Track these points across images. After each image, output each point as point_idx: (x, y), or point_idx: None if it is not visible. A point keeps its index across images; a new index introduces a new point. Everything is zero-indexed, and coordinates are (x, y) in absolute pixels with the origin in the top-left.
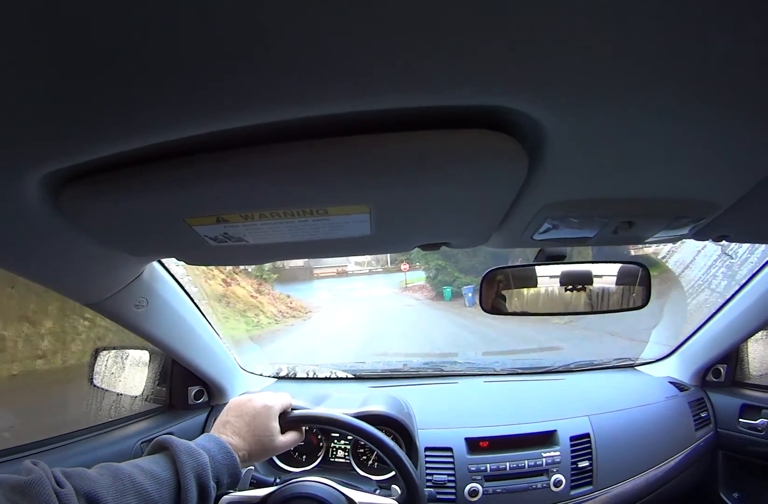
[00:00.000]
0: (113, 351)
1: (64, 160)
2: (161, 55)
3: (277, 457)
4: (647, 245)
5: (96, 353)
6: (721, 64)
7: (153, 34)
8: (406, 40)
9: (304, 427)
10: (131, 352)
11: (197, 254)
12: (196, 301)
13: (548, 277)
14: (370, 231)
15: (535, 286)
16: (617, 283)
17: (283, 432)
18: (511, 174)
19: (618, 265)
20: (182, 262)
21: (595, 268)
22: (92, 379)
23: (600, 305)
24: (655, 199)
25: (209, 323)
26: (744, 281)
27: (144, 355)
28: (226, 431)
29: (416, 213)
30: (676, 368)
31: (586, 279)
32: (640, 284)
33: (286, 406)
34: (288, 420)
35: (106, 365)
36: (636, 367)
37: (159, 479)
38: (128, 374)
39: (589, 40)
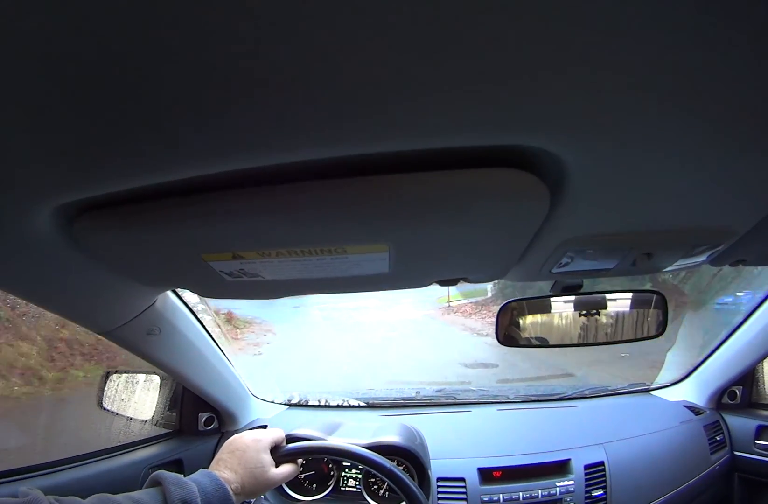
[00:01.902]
0: (124, 375)
1: (78, 193)
2: (177, 97)
3: (288, 486)
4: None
5: (106, 376)
6: (737, 98)
7: (167, 77)
8: (426, 84)
9: (300, 460)
10: (142, 376)
11: (211, 288)
12: (208, 328)
13: (563, 307)
14: (389, 269)
15: (551, 317)
16: (633, 312)
17: (277, 465)
18: (532, 211)
19: (634, 294)
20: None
21: (611, 298)
22: (102, 402)
23: (616, 335)
24: (673, 230)
25: (221, 351)
26: (758, 303)
27: (155, 380)
28: (219, 467)
29: (435, 251)
30: (691, 392)
31: (602, 308)
32: (657, 312)
33: (277, 439)
34: (280, 454)
35: (116, 389)
36: (651, 392)
37: None
38: (138, 398)
39: (609, 79)
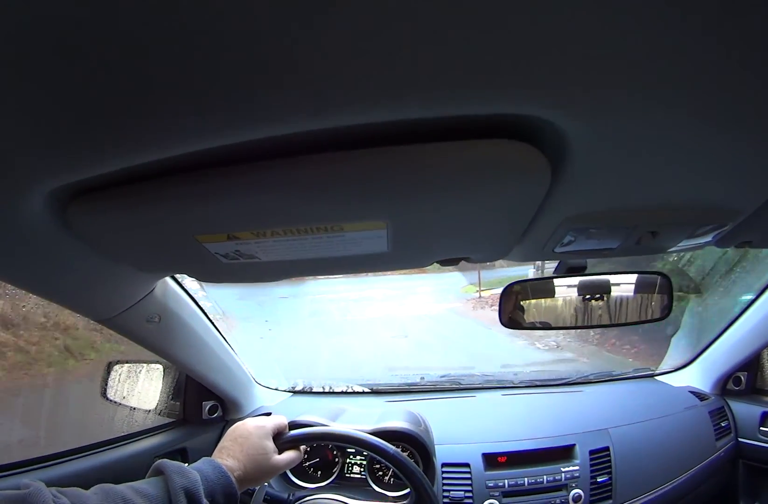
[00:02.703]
0: (126, 365)
1: (70, 175)
2: (168, 71)
3: (292, 472)
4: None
5: (109, 367)
6: (746, 71)
7: (161, 51)
8: (421, 48)
9: (303, 446)
10: (145, 366)
11: (208, 271)
12: (209, 315)
13: (566, 288)
14: (387, 247)
15: (554, 299)
16: (637, 294)
17: (280, 452)
18: (533, 186)
19: (638, 276)
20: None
21: (614, 279)
22: (105, 392)
23: (620, 317)
24: (678, 208)
25: (223, 338)
26: (763, 287)
27: (158, 369)
28: (222, 455)
29: (435, 228)
30: (696, 377)
31: (605, 290)
32: (662, 295)
33: (279, 426)
34: (283, 441)
35: (119, 379)
36: (655, 377)
37: (149, 496)
38: (142, 388)
39: (614, 45)
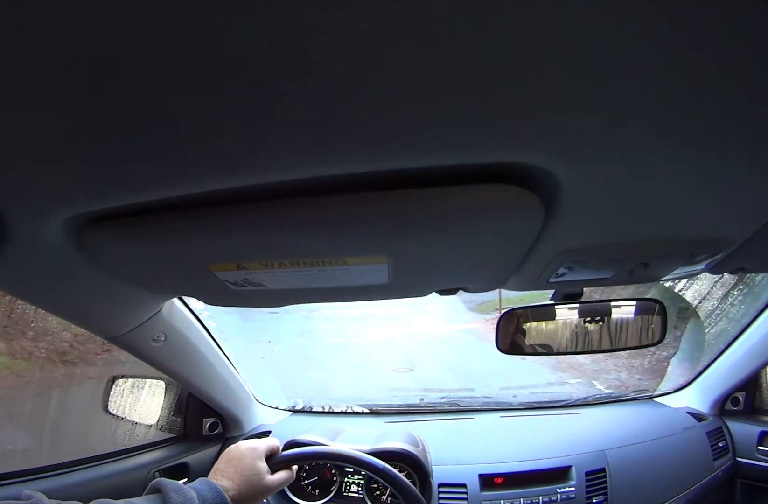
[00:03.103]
0: (130, 380)
1: (88, 206)
2: (184, 116)
3: (291, 491)
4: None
5: (112, 381)
6: (731, 110)
7: (173, 94)
8: (424, 106)
9: (295, 467)
10: (148, 381)
11: (217, 296)
12: (214, 335)
13: (565, 316)
14: (388, 279)
15: (554, 326)
16: (635, 319)
17: (273, 472)
18: (527, 225)
19: (634, 303)
20: None
21: (611, 306)
22: (107, 406)
23: (618, 343)
24: (669, 240)
25: (226, 357)
26: (761, 308)
27: (160, 386)
28: (217, 476)
29: (433, 262)
30: (694, 398)
31: (603, 316)
32: (657, 320)
33: (272, 448)
34: (275, 461)
35: (122, 394)
36: (654, 399)
37: None
38: (144, 403)
39: (597, 96)
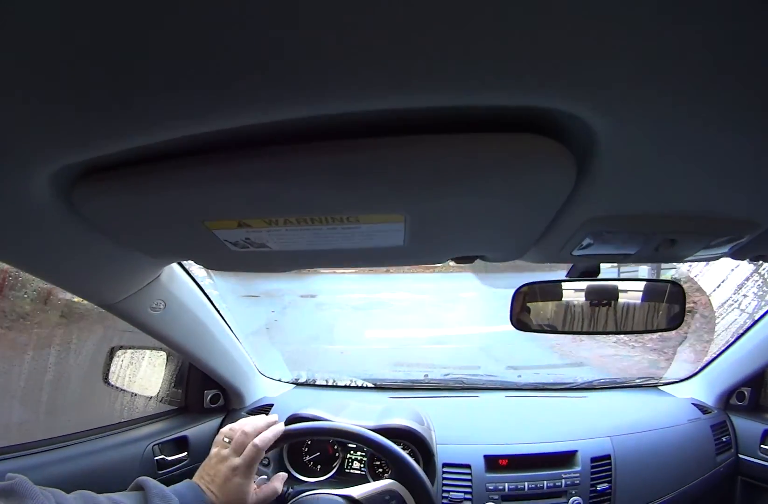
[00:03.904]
0: (129, 350)
1: (75, 155)
2: (179, 45)
3: (292, 466)
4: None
5: (112, 352)
6: None
7: (171, 27)
8: (451, 32)
9: (280, 481)
10: (148, 352)
11: (216, 259)
12: (216, 304)
13: (574, 292)
14: (403, 242)
15: (565, 304)
16: (645, 302)
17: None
18: (557, 184)
19: (651, 283)
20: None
21: (627, 287)
22: (107, 377)
23: (627, 325)
24: (699, 217)
25: (229, 327)
26: None
27: (161, 356)
28: (203, 481)
29: (454, 224)
30: (699, 389)
31: (616, 297)
32: (674, 304)
33: (264, 443)
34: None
35: (121, 365)
36: (659, 387)
37: None
38: (144, 375)
39: (649, 36)
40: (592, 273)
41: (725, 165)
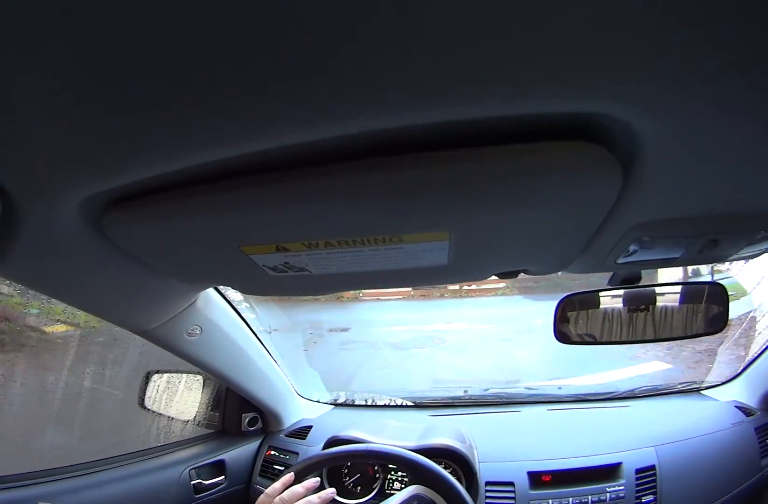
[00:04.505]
0: (166, 374)
1: (104, 182)
2: (211, 74)
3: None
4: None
5: (148, 376)
6: None
7: (199, 52)
8: (494, 39)
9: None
10: (185, 376)
11: (253, 284)
12: (252, 327)
13: (611, 299)
14: (447, 260)
15: (606, 313)
16: (689, 306)
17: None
18: (603, 191)
19: (691, 286)
20: None
21: (666, 291)
22: (143, 401)
23: (667, 331)
24: (742, 215)
25: (266, 349)
26: None
27: (198, 380)
28: None
29: (498, 238)
30: (742, 391)
31: (653, 301)
32: (717, 305)
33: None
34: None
35: (157, 389)
36: (701, 391)
37: None
38: (180, 398)
39: (691, 36)
40: (634, 280)
41: None
